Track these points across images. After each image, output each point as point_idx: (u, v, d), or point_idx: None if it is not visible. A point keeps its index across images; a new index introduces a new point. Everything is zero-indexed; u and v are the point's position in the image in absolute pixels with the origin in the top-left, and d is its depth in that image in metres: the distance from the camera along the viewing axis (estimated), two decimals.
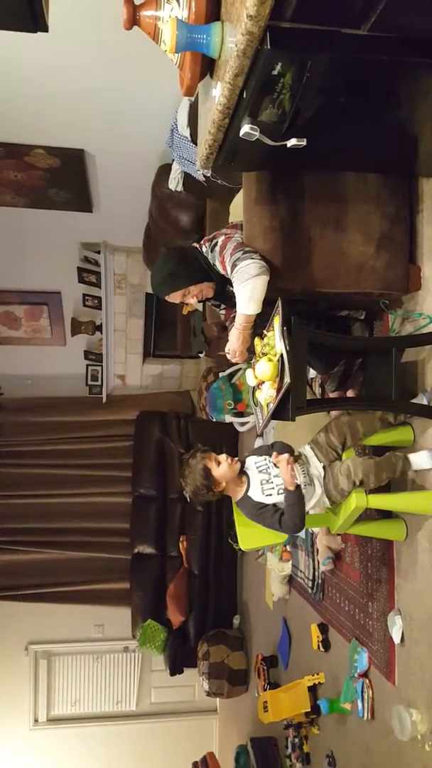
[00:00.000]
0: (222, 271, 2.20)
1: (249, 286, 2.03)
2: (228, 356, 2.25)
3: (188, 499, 4.84)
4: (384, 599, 2.46)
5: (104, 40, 2.85)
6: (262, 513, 2.10)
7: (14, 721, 5.28)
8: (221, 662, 4.48)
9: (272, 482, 2.11)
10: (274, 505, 2.09)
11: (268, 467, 2.15)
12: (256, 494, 2.11)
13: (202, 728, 5.44)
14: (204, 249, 2.25)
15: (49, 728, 5.36)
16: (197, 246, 2.28)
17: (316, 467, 2.18)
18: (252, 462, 2.19)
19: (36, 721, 5.35)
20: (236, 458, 2.17)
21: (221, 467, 2.09)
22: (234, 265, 2.06)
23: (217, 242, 2.21)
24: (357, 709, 2.55)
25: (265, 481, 2.12)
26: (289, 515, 2.05)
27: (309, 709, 3.06)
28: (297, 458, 2.16)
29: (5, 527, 5.13)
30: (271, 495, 2.10)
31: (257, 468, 2.16)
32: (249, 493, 2.13)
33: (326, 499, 2.18)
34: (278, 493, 2.09)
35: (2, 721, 5.28)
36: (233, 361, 2.25)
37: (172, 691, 5.40)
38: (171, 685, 5.28)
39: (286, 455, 2.04)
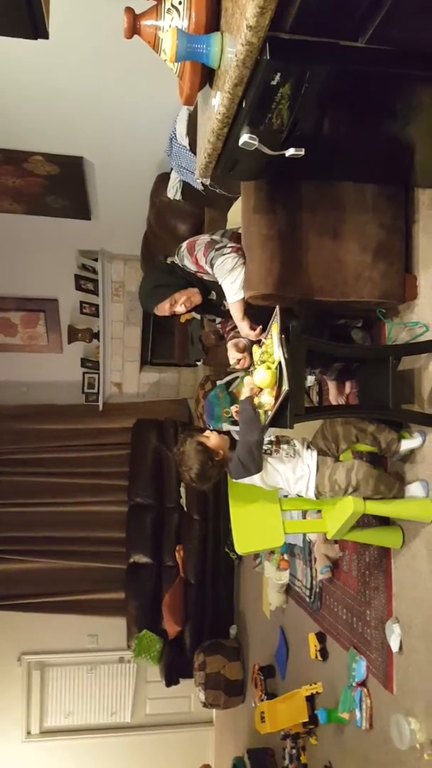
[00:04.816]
0: (194, 269, 2.32)
1: (229, 279, 2.22)
2: (236, 366, 2.36)
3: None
4: (382, 607, 2.45)
5: (104, 49, 2.88)
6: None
7: (6, 734, 5.21)
8: (218, 673, 4.44)
9: None
10: None
11: None
12: None
13: (198, 740, 5.38)
14: (176, 259, 2.37)
15: (42, 740, 5.29)
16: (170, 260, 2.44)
17: (312, 456, 2.18)
18: None
19: (29, 733, 5.29)
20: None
21: (212, 438, 2.18)
22: (212, 265, 2.25)
23: (181, 246, 2.35)
24: (355, 718, 2.54)
25: None
26: (239, 432, 2.13)
27: (307, 719, 3.04)
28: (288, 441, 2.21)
29: None
30: None
31: None
32: None
33: (311, 485, 2.16)
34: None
35: None
36: (238, 367, 2.31)
37: (168, 702, 5.36)
38: (166, 696, 5.24)
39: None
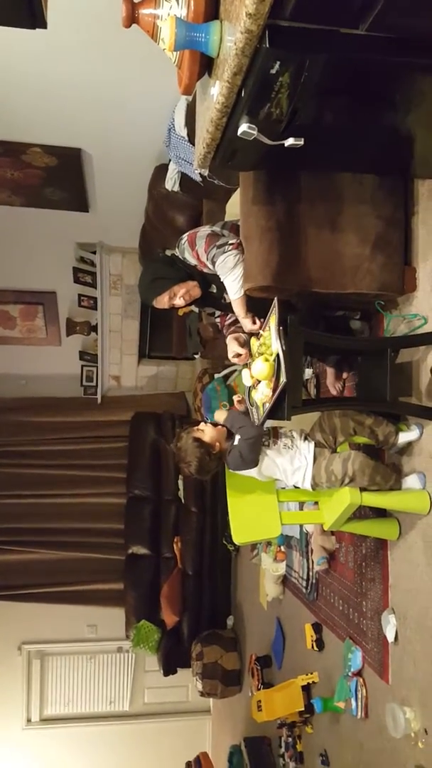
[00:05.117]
0: (194, 262, 2.31)
1: (231, 277, 2.23)
2: (235, 360, 2.35)
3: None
4: (378, 598, 2.46)
5: (103, 38, 2.86)
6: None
7: (7, 721, 5.26)
8: (215, 663, 4.47)
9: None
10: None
11: None
12: None
13: (195, 728, 5.43)
14: (177, 252, 2.36)
15: (42, 728, 5.34)
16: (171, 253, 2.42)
17: (309, 447, 2.20)
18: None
19: (29, 720, 5.33)
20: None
21: (207, 431, 2.19)
22: (214, 263, 2.25)
23: (182, 239, 2.34)
24: (351, 707, 2.56)
25: None
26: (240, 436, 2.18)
27: (303, 708, 3.06)
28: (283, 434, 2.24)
29: None
30: None
31: None
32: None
33: (308, 476, 2.18)
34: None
35: None
36: (237, 361, 2.32)
37: (166, 691, 5.40)
38: (164, 686, 5.28)
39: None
